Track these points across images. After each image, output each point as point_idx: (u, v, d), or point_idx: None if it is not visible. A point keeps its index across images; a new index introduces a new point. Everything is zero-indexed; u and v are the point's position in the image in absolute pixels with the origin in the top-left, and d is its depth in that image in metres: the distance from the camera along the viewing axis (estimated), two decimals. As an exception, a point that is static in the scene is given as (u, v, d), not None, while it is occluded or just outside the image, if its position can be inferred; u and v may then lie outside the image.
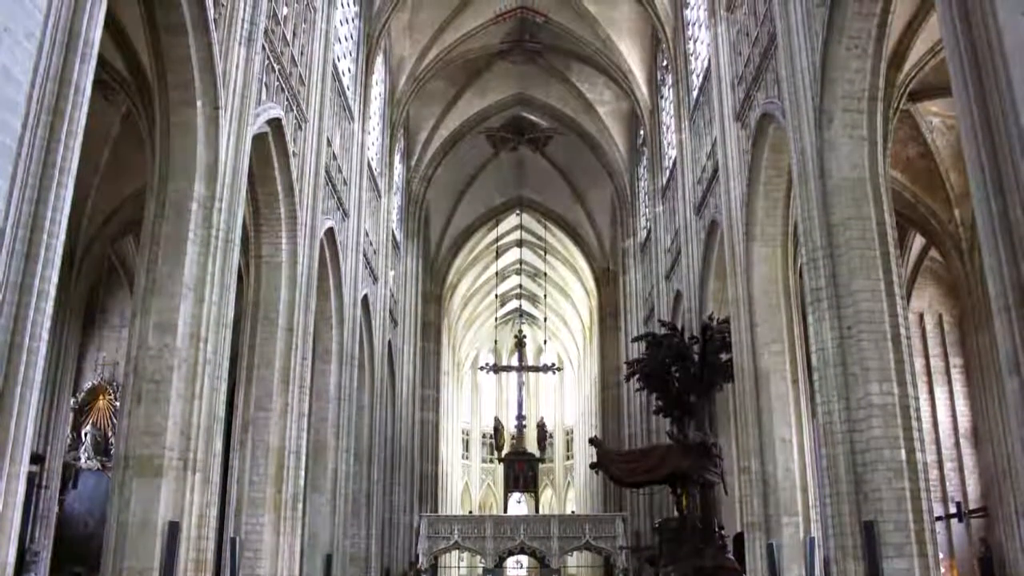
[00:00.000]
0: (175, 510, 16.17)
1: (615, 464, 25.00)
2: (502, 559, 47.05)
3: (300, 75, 25.60)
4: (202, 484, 16.83)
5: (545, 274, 63.86)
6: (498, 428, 66.69)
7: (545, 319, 66.70)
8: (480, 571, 49.23)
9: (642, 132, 45.24)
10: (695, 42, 34.22)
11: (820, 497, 21.18)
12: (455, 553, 52.33)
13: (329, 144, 28.64)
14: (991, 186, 9.75)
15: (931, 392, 34.90)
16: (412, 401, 48.87)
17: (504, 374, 76.16)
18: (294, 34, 25.05)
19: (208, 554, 16.97)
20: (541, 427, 69.05)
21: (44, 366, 11.03)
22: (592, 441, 26.45)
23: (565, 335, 77.15)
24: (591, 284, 60.47)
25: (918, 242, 34.02)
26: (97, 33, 11.86)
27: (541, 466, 64.02)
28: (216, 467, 17.59)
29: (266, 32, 21.45)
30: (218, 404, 17.64)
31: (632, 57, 42.68)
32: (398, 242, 46.51)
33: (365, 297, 36.46)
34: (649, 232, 44.16)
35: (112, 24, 17.78)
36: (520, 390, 70.65)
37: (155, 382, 16.50)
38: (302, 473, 24.60)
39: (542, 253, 62.06)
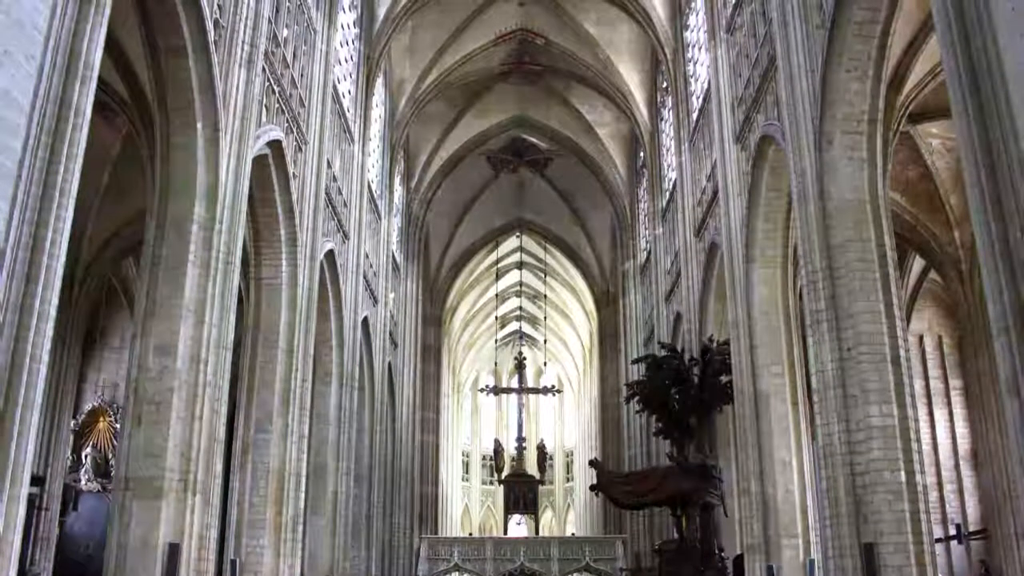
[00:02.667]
0: (175, 532, 16.14)
1: (615, 486, 24.97)
2: (502, 581, 46.97)
3: (300, 97, 25.65)
4: (202, 506, 16.81)
5: (545, 296, 63.86)
6: (498, 450, 66.45)
7: (545, 341, 66.71)
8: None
9: (642, 154, 45.27)
10: (695, 64, 34.25)
11: (820, 519, 21.16)
12: (455, 575, 52.23)
13: (329, 166, 28.68)
14: (991, 208, 9.74)
15: (931, 414, 34.88)
16: (412, 423, 48.86)
17: (504, 396, 76.06)
18: (294, 56, 25.11)
19: (208, 576, 16.99)
20: (541, 449, 68.78)
21: (44, 388, 11.02)
22: (592, 463, 26.41)
23: (565, 357, 77.15)
24: (591, 306, 60.42)
25: (918, 264, 34.04)
26: (97, 55, 11.89)
27: (541, 488, 63.72)
28: (216, 489, 17.58)
29: (266, 54, 21.51)
30: (218, 426, 17.63)
31: (632, 79, 42.77)
32: (398, 264, 46.55)
33: (365, 319, 36.47)
34: (649, 254, 44.20)
35: (112, 46, 17.83)
36: (520, 412, 70.58)
37: (155, 404, 16.50)
38: (302, 495, 24.57)
39: (542, 275, 62.08)
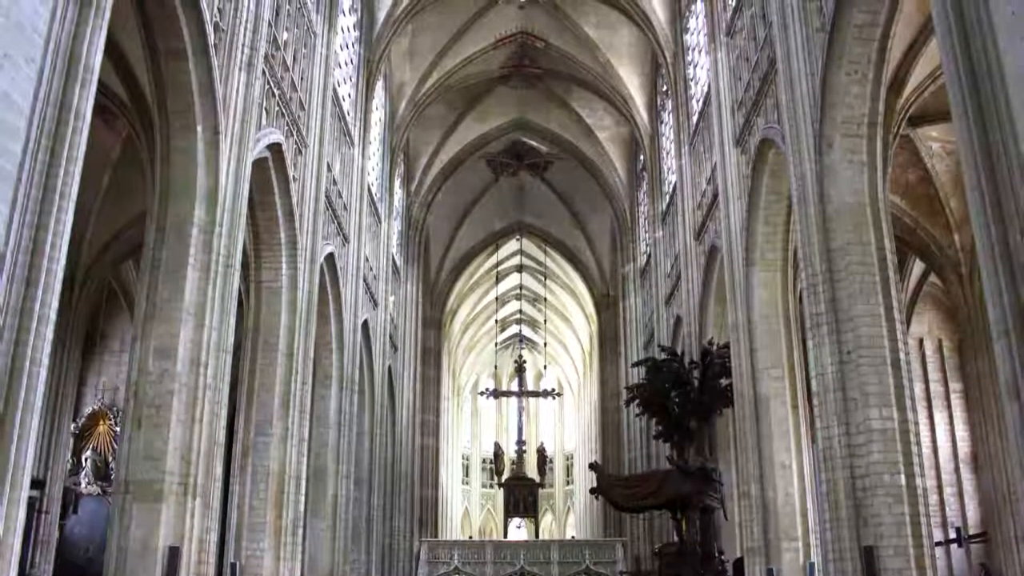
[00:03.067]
0: (175, 535, 16.13)
1: (615, 489, 24.96)
2: (502, 584, 46.93)
3: (300, 100, 25.63)
4: (202, 509, 16.79)
5: (545, 299, 63.77)
6: (498, 453, 66.44)
7: (545, 344, 66.61)
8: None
9: (642, 157, 45.23)
10: (695, 67, 34.23)
11: (820, 522, 21.15)
12: (455, 578, 52.28)
13: (329, 169, 28.65)
14: (991, 211, 9.72)
15: (931, 417, 34.80)
16: (412, 426, 48.78)
17: (504, 399, 75.94)
18: (294, 59, 25.09)
19: (208, 579, 16.97)
20: (541, 452, 68.82)
21: (44, 391, 11.00)
22: (592, 466, 26.42)
23: (565, 360, 77.06)
24: (591, 309, 60.39)
25: (918, 267, 33.98)
26: (97, 59, 11.87)
27: (541, 491, 63.67)
28: (216, 492, 17.56)
29: (266, 57, 21.50)
30: (218, 429, 17.61)
31: (632, 82, 42.75)
32: (398, 267, 46.49)
33: (365, 322, 36.44)
34: (649, 257, 44.15)
35: (113, 49, 17.83)
36: (520, 415, 70.29)
37: (155, 407, 16.48)
38: (302, 498, 24.53)
39: (542, 278, 61.98)
